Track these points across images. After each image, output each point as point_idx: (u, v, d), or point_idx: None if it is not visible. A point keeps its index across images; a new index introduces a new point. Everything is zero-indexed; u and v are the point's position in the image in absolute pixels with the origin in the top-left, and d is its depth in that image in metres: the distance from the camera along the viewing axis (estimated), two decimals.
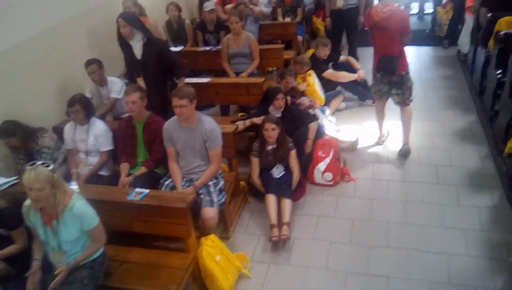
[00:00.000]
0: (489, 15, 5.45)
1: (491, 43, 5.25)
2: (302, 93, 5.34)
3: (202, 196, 3.56)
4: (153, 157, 3.82)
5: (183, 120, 3.51)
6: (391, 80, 4.48)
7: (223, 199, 3.65)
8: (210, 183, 3.64)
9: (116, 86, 4.66)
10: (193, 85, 4.74)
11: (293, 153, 4.23)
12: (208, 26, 6.27)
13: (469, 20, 6.31)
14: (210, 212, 3.46)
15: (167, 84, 4.48)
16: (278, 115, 4.49)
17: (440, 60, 7.00)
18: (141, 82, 4.38)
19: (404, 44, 4.32)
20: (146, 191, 3.20)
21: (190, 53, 5.92)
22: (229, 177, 4.02)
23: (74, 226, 2.79)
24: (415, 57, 7.04)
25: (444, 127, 5.24)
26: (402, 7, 4.43)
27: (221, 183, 3.72)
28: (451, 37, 7.28)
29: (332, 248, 3.71)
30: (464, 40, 6.45)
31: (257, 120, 4.39)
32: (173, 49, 5.70)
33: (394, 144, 4.97)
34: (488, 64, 5.20)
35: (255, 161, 4.22)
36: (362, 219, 3.99)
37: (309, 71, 5.55)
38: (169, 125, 3.64)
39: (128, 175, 3.76)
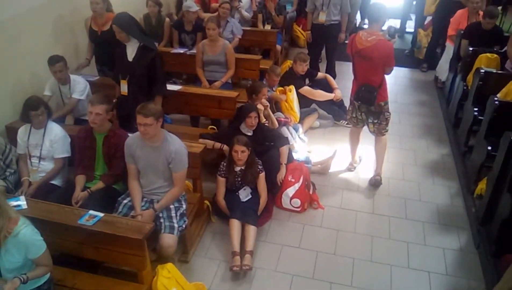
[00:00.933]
0: (470, 48, 5.40)
1: (470, 77, 5.21)
2: (278, 108, 5.18)
3: (161, 220, 3.33)
4: (112, 172, 3.56)
5: (148, 138, 3.27)
6: (369, 110, 4.36)
7: (184, 225, 3.43)
8: (172, 206, 3.41)
9: (79, 86, 4.34)
10: None
11: (261, 176, 4.05)
12: (186, 26, 5.99)
13: (449, 48, 6.28)
14: (169, 240, 3.24)
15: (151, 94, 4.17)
16: (249, 134, 4.30)
17: (417, 84, 6.95)
18: (124, 85, 4.07)
19: (385, 73, 4.20)
20: (101, 215, 2.95)
21: (163, 54, 5.60)
22: (193, 199, 3.80)
23: (18, 254, 2.52)
24: (393, 78, 6.94)
25: (416, 157, 5.17)
26: (387, 37, 4.28)
27: (183, 207, 3.49)
28: (430, 61, 7.24)
29: (294, 282, 3.56)
30: (443, 67, 6.42)
31: (225, 148, 4.19)
32: None
33: (365, 172, 4.86)
34: (466, 99, 5.16)
35: (221, 181, 4.01)
36: (327, 252, 3.85)
37: (290, 87, 5.37)
38: (132, 141, 3.38)
39: (84, 189, 3.49)
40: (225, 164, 4.01)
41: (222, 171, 4.00)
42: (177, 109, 4.88)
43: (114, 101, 3.99)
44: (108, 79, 4.58)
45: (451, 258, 3.84)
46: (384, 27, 4.35)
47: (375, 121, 4.40)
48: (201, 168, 3.95)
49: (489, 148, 4.16)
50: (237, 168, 3.98)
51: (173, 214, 3.37)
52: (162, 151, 3.31)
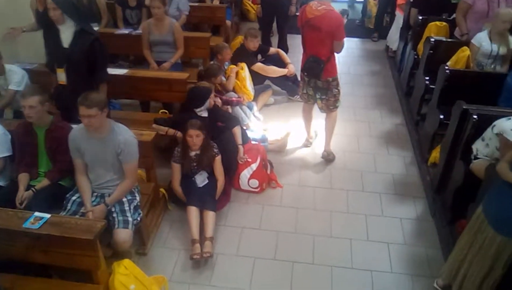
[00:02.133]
0: (420, 17, 5.41)
1: (420, 46, 5.25)
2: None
3: (114, 215, 3.19)
4: (57, 168, 3.34)
5: (93, 130, 3.08)
6: (317, 85, 4.30)
7: (139, 218, 3.30)
8: (125, 199, 3.27)
9: (15, 76, 4.05)
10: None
11: (217, 159, 3.95)
12: (130, 1, 5.69)
13: (399, 17, 6.29)
14: (123, 235, 3.11)
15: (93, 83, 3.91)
16: (205, 115, 4.18)
17: (368, 54, 6.97)
18: (61, 73, 3.76)
19: (335, 50, 4.12)
20: (47, 216, 2.76)
21: (106, 35, 5.31)
22: (147, 189, 3.65)
23: None
24: (345, 49, 6.78)
25: (370, 128, 5.21)
26: (338, 11, 4.19)
27: (137, 199, 3.36)
28: (380, 30, 7.25)
29: (256, 265, 3.52)
30: (393, 37, 6.45)
31: (179, 135, 4.05)
32: None
33: (322, 147, 4.83)
34: (417, 68, 5.20)
35: (176, 168, 3.88)
36: (287, 231, 3.84)
37: (241, 64, 5.23)
38: (76, 134, 3.18)
39: (28, 187, 3.27)
40: (179, 149, 3.88)
41: (176, 157, 3.87)
42: (125, 94, 4.66)
43: (52, 90, 3.73)
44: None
45: (408, 227, 3.91)
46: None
47: (323, 97, 4.36)
48: (155, 155, 3.81)
49: (442, 116, 4.22)
50: (192, 153, 3.85)
51: (127, 208, 3.23)
52: (110, 142, 3.13)
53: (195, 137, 3.73)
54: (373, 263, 3.56)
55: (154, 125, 4.16)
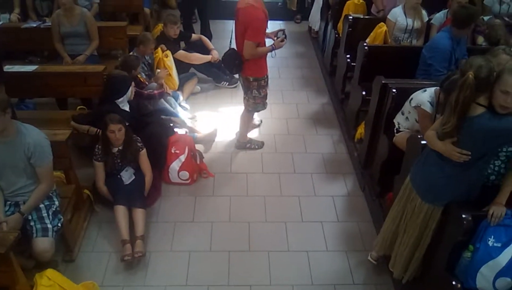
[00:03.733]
0: None
1: (340, 25, 5.31)
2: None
3: (32, 223, 2.95)
4: None
5: None
6: (241, 79, 4.21)
7: (59, 224, 3.08)
8: (42, 206, 3.03)
9: None
10: (14, 75, 3.95)
11: (143, 153, 3.78)
12: None
13: None
14: (44, 244, 2.89)
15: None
16: (126, 108, 3.97)
17: (292, 36, 6.95)
18: None
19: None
20: None
21: (11, 30, 4.90)
22: (67, 192, 3.42)
23: None
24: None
25: (298, 110, 5.23)
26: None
27: (56, 204, 3.12)
28: (303, 11, 7.28)
29: (192, 258, 3.43)
30: (315, 17, 6.49)
31: (92, 130, 3.83)
32: None
33: (253, 132, 4.79)
34: (338, 46, 5.26)
35: (99, 166, 3.67)
36: (222, 221, 3.76)
37: (166, 52, 5.01)
38: None
39: None
40: (100, 147, 3.66)
41: (98, 155, 3.64)
42: (37, 92, 4.32)
43: None
44: None
45: (340, 204, 3.97)
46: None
47: (244, 96, 4.27)
48: (76, 155, 3.58)
49: (364, 93, 4.29)
50: (115, 149, 3.65)
51: (44, 214, 3.00)
52: (18, 145, 2.87)
53: (118, 132, 3.53)
54: (309, 243, 3.58)
55: (72, 123, 3.90)
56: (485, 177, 2.68)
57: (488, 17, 4.83)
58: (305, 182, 4.19)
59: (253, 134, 4.75)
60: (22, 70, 3.95)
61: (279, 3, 7.89)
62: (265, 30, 3.93)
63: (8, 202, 3.02)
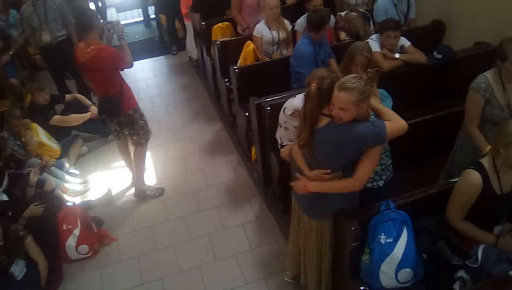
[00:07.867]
0: (203, 23, 5.44)
1: (213, 51, 5.27)
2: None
3: None
4: None
5: None
6: (120, 121, 4.04)
7: None
8: None
9: None
10: None
11: (28, 241, 3.46)
12: None
13: (189, 26, 6.25)
14: None
15: None
16: (3, 197, 3.65)
17: (174, 69, 6.83)
18: None
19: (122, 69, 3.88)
20: None
21: None
22: None
23: None
24: (151, 71, 6.71)
25: (193, 144, 5.10)
26: (105, 29, 3.96)
27: None
28: (177, 42, 7.16)
29: None
30: (191, 46, 6.41)
31: None
32: None
33: (150, 180, 4.59)
34: (216, 72, 5.23)
35: None
36: (132, 287, 3.54)
37: (32, 125, 4.67)
38: None
39: None
40: None
41: None
42: None
43: None
44: None
45: (251, 230, 3.91)
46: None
47: (132, 132, 4.12)
48: None
49: (246, 114, 4.25)
50: None
51: None
52: None
53: None
54: (227, 282, 3.47)
55: None
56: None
57: (345, 12, 5.01)
58: (212, 218, 4.07)
59: (151, 181, 4.55)
60: None
61: (156, 38, 7.74)
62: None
63: None
